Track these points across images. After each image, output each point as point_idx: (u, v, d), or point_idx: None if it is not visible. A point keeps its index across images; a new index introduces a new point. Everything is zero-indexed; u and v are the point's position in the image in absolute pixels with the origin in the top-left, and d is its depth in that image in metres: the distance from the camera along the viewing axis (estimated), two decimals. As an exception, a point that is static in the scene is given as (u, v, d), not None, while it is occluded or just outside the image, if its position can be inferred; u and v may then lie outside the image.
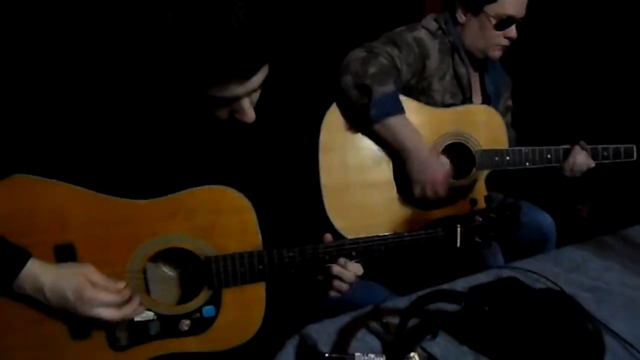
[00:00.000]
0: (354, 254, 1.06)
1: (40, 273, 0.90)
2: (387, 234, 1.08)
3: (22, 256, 0.89)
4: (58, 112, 0.99)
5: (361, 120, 1.52)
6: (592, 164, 1.65)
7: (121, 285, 0.95)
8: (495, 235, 1.15)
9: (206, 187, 1.00)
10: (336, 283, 1.05)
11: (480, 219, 1.13)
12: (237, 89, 0.89)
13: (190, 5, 0.82)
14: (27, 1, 1.61)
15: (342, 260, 1.04)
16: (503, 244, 1.63)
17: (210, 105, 0.93)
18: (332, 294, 1.08)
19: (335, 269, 1.04)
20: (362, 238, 1.06)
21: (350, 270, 1.04)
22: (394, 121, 1.49)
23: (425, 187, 1.53)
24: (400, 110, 1.50)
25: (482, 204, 1.15)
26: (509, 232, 1.16)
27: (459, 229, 1.12)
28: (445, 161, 1.67)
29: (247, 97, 0.93)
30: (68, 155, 0.95)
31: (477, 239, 1.14)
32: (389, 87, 1.47)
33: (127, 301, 0.95)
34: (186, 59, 0.84)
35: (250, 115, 0.94)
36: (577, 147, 1.64)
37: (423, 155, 1.51)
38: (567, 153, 1.66)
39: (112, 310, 0.93)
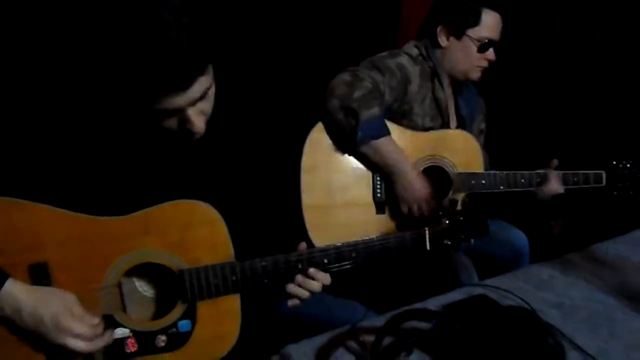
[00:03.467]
0: (325, 261, 1.07)
1: (19, 294, 0.90)
2: (357, 240, 1.10)
3: (0, 277, 0.89)
4: (27, 135, 1.00)
5: (347, 142, 1.55)
6: (562, 190, 1.70)
7: (96, 320, 0.96)
8: (465, 238, 1.19)
9: (176, 201, 1.01)
10: (298, 291, 1.06)
11: (448, 222, 1.17)
12: (177, 100, 0.90)
13: (124, 24, 0.84)
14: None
15: (311, 270, 1.05)
16: (472, 248, 1.69)
17: (158, 118, 0.94)
18: (290, 303, 1.08)
19: (298, 278, 1.05)
20: (332, 245, 1.08)
21: (317, 279, 1.05)
22: (380, 143, 1.54)
23: (412, 205, 1.59)
24: (386, 132, 1.55)
25: (449, 208, 1.19)
26: (477, 234, 1.20)
27: (427, 232, 1.15)
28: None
29: (191, 107, 0.94)
30: (40, 176, 0.96)
31: (446, 241, 1.17)
32: (375, 110, 1.51)
33: (99, 335, 0.96)
34: (124, 74, 0.86)
35: (197, 125, 0.95)
36: (550, 174, 1.70)
37: (409, 176, 1.57)
38: (540, 177, 1.72)
39: (83, 343, 0.93)
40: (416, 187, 1.58)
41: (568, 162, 1.75)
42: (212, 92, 0.98)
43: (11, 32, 1.64)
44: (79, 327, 0.92)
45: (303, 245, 1.08)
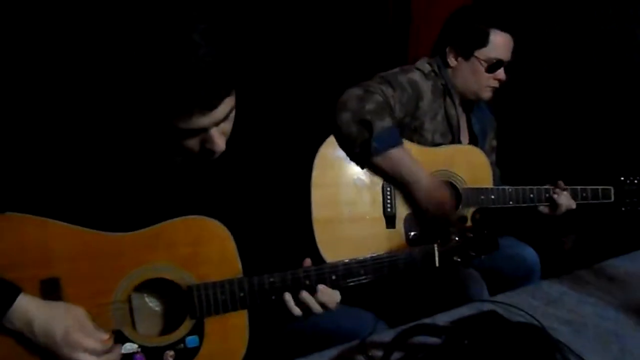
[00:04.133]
0: (333, 277, 1.07)
1: (30, 308, 0.91)
2: (365, 257, 1.10)
3: (13, 291, 0.91)
4: (42, 151, 1.02)
5: (360, 156, 1.56)
6: (574, 205, 1.71)
7: (106, 336, 0.97)
8: (475, 255, 1.18)
9: (185, 217, 1.03)
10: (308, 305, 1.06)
11: (457, 239, 1.17)
12: (202, 120, 0.92)
13: (153, 44, 0.85)
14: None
15: (321, 287, 1.05)
16: (482, 266, 1.68)
17: (179, 137, 0.95)
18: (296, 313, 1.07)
19: (305, 295, 1.05)
20: (341, 261, 1.08)
21: (324, 294, 1.05)
22: (395, 153, 1.54)
23: (436, 211, 1.56)
24: (400, 142, 1.56)
25: (458, 224, 1.19)
26: (487, 250, 1.19)
27: (436, 249, 1.15)
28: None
29: (215, 127, 0.95)
30: (52, 192, 0.97)
31: (456, 258, 1.17)
32: (388, 122, 1.52)
33: (108, 351, 0.97)
34: (150, 94, 0.87)
35: (219, 145, 0.96)
36: (558, 190, 1.70)
37: (426, 182, 1.56)
38: (548, 193, 1.72)
39: (93, 358, 0.94)
40: (438, 191, 1.56)
41: (577, 178, 1.75)
42: (233, 112, 1.00)
43: (42, 48, 1.67)
44: (89, 343, 0.94)
45: (308, 262, 1.09)
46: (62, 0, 1.65)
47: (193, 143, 0.97)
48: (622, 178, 1.75)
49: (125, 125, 1.02)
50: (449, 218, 1.58)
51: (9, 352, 0.93)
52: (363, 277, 1.10)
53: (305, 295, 1.06)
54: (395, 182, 1.61)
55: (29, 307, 0.91)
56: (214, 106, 0.91)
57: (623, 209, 1.75)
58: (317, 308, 1.07)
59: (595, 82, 2.47)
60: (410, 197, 1.60)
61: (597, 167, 2.06)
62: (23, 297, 0.91)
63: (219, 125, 0.96)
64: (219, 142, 0.97)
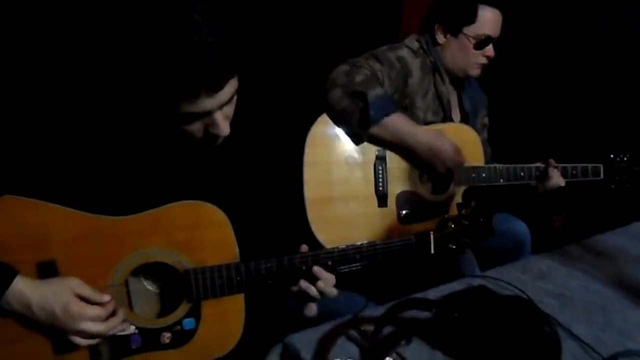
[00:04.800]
0: (329, 263, 1.08)
1: (26, 290, 0.91)
2: (362, 242, 1.11)
3: (9, 273, 0.91)
4: (39, 134, 1.01)
5: (355, 130, 1.56)
6: (563, 182, 1.72)
7: (107, 298, 0.97)
8: (470, 242, 1.19)
9: (183, 202, 1.03)
10: (308, 290, 1.07)
11: (453, 226, 1.18)
12: (207, 103, 0.91)
13: (154, 25, 0.84)
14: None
15: (316, 268, 1.06)
16: (477, 249, 1.70)
17: (183, 122, 0.94)
18: (307, 312, 1.09)
19: (303, 284, 1.07)
20: (337, 247, 1.09)
21: (322, 278, 1.06)
22: (393, 120, 1.54)
23: (447, 160, 1.58)
24: (396, 108, 1.56)
25: (454, 211, 1.20)
26: (483, 237, 1.20)
27: (432, 236, 1.16)
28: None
29: (219, 110, 0.94)
30: (49, 176, 0.97)
31: (451, 245, 1.18)
32: (380, 90, 1.52)
33: (112, 314, 0.97)
34: (154, 77, 0.86)
35: (224, 128, 0.95)
36: (550, 168, 1.71)
37: (426, 138, 1.56)
38: (539, 171, 1.73)
39: (98, 324, 0.94)
40: (442, 141, 1.57)
41: (567, 156, 1.76)
42: (236, 96, 0.98)
43: (41, 30, 1.65)
44: (91, 311, 0.94)
45: (304, 247, 1.10)
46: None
47: (197, 128, 0.96)
48: (612, 156, 1.77)
49: (126, 109, 1.01)
50: (458, 162, 1.59)
51: (15, 332, 0.94)
52: (358, 264, 1.11)
53: (303, 283, 1.07)
54: (397, 149, 1.61)
55: (25, 289, 0.91)
56: (219, 87, 0.90)
57: (612, 186, 1.78)
58: (322, 289, 1.07)
59: (586, 60, 2.48)
60: (416, 161, 1.61)
61: (586, 145, 2.08)
62: (19, 279, 0.91)
63: (222, 108, 0.95)
64: (223, 126, 0.95)
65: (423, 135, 1.57)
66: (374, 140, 1.59)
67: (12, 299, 0.91)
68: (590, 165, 1.76)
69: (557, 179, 1.72)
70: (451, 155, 1.58)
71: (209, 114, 0.93)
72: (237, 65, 0.92)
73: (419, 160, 1.62)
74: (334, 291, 1.08)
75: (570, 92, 2.53)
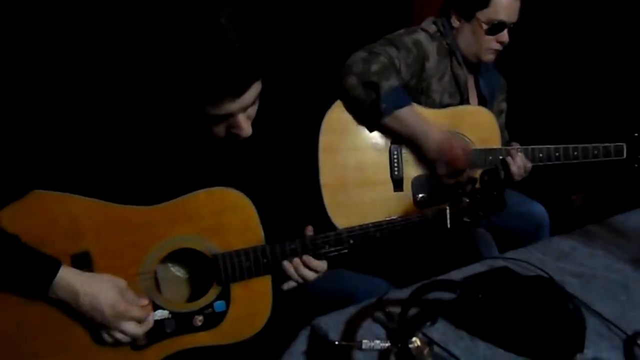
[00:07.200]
0: (351, 241, 1.11)
1: (74, 281, 0.94)
2: (381, 220, 1.13)
3: (54, 264, 0.93)
4: (68, 130, 1.02)
5: (368, 118, 1.57)
6: (529, 165, 1.68)
7: (145, 301, 1.01)
8: (484, 215, 1.22)
9: (208, 189, 1.05)
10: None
11: (468, 200, 1.20)
12: (231, 106, 0.92)
13: (183, 31, 0.85)
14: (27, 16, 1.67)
15: (305, 257, 1.09)
16: (490, 226, 1.71)
17: (207, 123, 0.96)
18: (287, 283, 1.12)
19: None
20: (358, 226, 1.12)
21: (312, 267, 1.10)
22: (404, 112, 1.54)
23: (452, 162, 1.58)
24: (408, 101, 1.56)
25: (468, 187, 1.22)
26: (496, 210, 1.23)
27: (448, 211, 1.19)
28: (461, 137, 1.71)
29: (242, 112, 0.95)
30: (79, 170, 0.99)
31: (465, 219, 1.21)
32: (394, 81, 1.52)
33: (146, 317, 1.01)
34: (180, 81, 0.87)
35: (246, 130, 0.97)
36: (513, 153, 1.67)
37: (435, 136, 1.56)
38: (558, 152, 1.70)
39: (136, 325, 0.99)
40: (450, 141, 1.57)
41: (589, 135, 1.74)
42: (259, 97, 0.99)
43: (77, 30, 1.68)
44: (135, 312, 0.98)
45: (309, 229, 1.12)
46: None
47: (219, 129, 0.98)
48: (636, 134, 1.73)
49: (153, 106, 1.02)
50: (465, 166, 1.58)
51: (57, 321, 0.97)
52: (379, 240, 1.13)
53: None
54: (406, 142, 1.61)
55: (72, 280, 0.94)
56: (243, 91, 0.91)
57: (636, 165, 1.74)
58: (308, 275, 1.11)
59: (609, 39, 2.43)
60: (423, 157, 1.61)
61: (609, 125, 2.04)
62: (64, 270, 0.94)
63: (246, 110, 0.96)
64: (246, 126, 0.97)
65: (435, 135, 1.57)
66: (386, 131, 1.60)
67: (58, 288, 0.93)
68: (612, 145, 1.73)
69: (522, 162, 1.67)
70: (459, 155, 1.58)
71: (231, 115, 0.95)
72: (261, 70, 0.93)
73: (424, 158, 1.62)
74: (311, 275, 1.12)
75: (593, 70, 2.48)
